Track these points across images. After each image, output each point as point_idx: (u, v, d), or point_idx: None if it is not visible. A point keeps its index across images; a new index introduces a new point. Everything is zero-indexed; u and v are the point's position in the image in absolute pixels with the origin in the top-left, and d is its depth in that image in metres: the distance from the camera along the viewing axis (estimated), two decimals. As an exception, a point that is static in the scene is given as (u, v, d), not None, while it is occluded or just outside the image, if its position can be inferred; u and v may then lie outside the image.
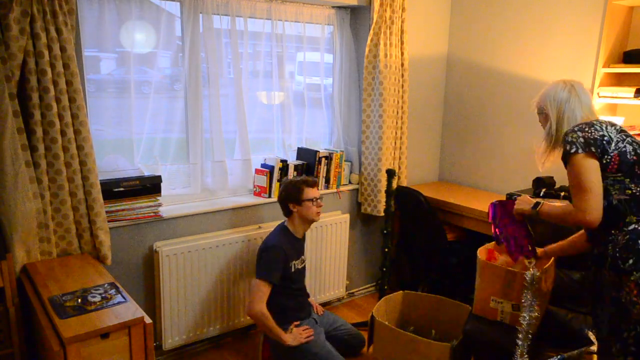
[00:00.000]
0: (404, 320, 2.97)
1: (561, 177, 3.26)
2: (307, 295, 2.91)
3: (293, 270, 2.70)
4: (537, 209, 2.02)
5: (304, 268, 2.84)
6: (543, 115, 2.06)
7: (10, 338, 2.17)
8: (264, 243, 2.71)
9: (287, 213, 2.74)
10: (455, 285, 3.40)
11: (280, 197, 2.73)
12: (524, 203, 2.12)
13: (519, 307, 2.30)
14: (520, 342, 2.11)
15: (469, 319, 2.55)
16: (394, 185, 3.52)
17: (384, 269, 3.43)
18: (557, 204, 2.00)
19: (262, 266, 2.62)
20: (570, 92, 1.97)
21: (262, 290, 2.56)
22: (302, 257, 2.81)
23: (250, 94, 3.18)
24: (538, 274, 2.14)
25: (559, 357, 2.13)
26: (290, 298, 2.71)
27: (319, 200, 2.71)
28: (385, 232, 3.49)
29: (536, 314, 2.09)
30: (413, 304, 2.53)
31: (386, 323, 2.49)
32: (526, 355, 2.08)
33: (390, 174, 3.26)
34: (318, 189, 2.76)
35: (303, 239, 2.83)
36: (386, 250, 3.51)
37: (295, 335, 2.61)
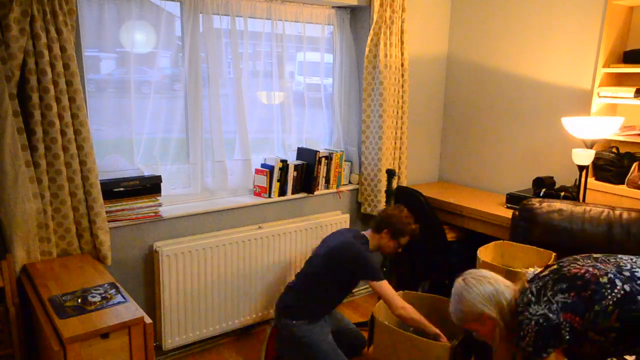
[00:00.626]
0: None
1: (561, 177, 3.27)
2: None
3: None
4: None
5: None
6: (484, 323, 1.82)
7: (10, 338, 2.17)
8: (351, 250, 2.63)
9: (377, 231, 2.76)
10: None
11: (388, 219, 2.74)
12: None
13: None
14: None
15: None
16: (394, 185, 3.52)
17: (384, 269, 3.42)
18: None
19: (369, 270, 2.60)
20: (483, 281, 1.83)
21: (390, 288, 2.58)
22: None
23: (250, 94, 3.18)
24: (539, 271, 2.14)
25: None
26: (331, 298, 2.73)
27: (401, 248, 2.80)
28: None
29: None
30: (412, 304, 2.54)
31: (386, 323, 2.49)
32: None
33: (390, 174, 3.25)
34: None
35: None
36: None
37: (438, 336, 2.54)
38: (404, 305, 2.54)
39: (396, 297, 2.56)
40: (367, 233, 2.80)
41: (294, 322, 2.61)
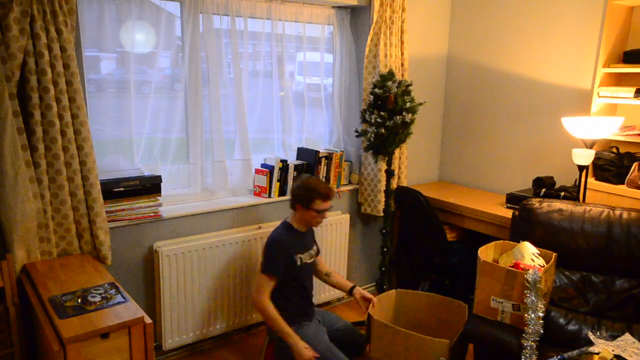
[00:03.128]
0: (397, 319, 2.95)
1: (561, 177, 3.27)
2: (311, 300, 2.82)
3: (299, 264, 2.60)
4: None
5: (313, 264, 2.75)
6: None
7: (10, 338, 2.17)
8: (267, 239, 2.65)
9: (292, 207, 2.65)
10: (455, 285, 3.40)
11: (293, 192, 2.64)
12: None
13: (519, 307, 2.30)
14: (526, 344, 2.11)
15: (470, 318, 2.55)
16: (394, 185, 3.52)
17: (383, 269, 3.42)
18: None
19: (265, 260, 2.57)
20: None
21: (265, 284, 2.51)
22: (311, 251, 2.70)
23: (250, 94, 3.18)
24: (540, 274, 2.14)
25: (558, 357, 2.13)
26: (294, 295, 2.63)
27: (325, 212, 2.64)
28: (384, 231, 3.47)
29: (541, 313, 2.09)
30: (406, 302, 2.50)
31: (383, 321, 2.48)
32: (534, 357, 2.08)
33: (389, 174, 3.25)
34: (331, 199, 2.66)
35: (309, 232, 2.74)
36: (385, 249, 3.50)
37: (304, 346, 2.46)
38: (262, 304, 2.50)
39: (262, 294, 2.50)
40: (289, 217, 2.69)
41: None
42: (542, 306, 2.15)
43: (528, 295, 2.15)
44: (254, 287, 2.56)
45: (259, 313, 2.58)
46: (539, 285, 2.12)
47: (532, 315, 2.11)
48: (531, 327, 2.11)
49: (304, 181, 2.62)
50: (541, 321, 2.12)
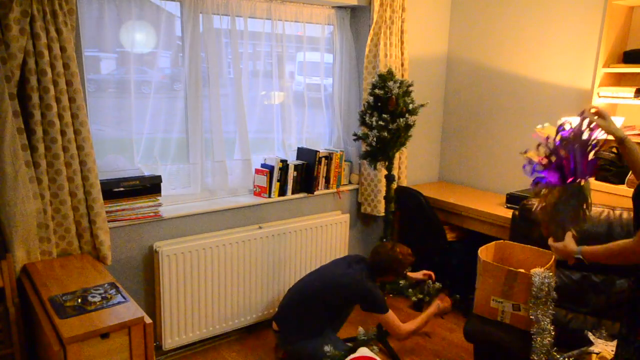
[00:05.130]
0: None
1: (561, 177, 3.26)
2: None
3: None
4: (582, 260, 1.77)
5: None
6: None
7: (10, 338, 2.17)
8: (361, 285, 2.68)
9: (380, 275, 2.79)
10: (455, 285, 3.40)
11: (385, 264, 2.76)
12: (564, 257, 1.84)
13: (519, 307, 2.30)
14: (536, 345, 2.12)
15: (469, 318, 2.55)
16: (394, 185, 3.50)
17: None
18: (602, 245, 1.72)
19: (382, 303, 2.68)
20: None
21: (393, 318, 2.69)
22: None
23: (250, 94, 3.18)
24: (551, 273, 2.14)
25: (559, 357, 2.13)
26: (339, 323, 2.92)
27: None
28: (384, 239, 3.16)
29: (550, 312, 2.09)
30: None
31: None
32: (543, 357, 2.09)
33: (390, 179, 3.13)
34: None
35: None
36: None
37: (436, 307, 2.82)
38: (407, 330, 2.68)
39: (401, 327, 2.68)
40: (366, 272, 2.78)
41: (302, 342, 2.66)
42: (551, 307, 2.15)
43: (532, 300, 2.15)
44: (389, 330, 2.73)
45: (411, 337, 2.91)
46: (546, 288, 2.11)
47: (540, 318, 2.12)
48: (542, 328, 2.13)
49: (396, 254, 2.76)
50: (548, 325, 2.13)
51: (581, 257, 1.75)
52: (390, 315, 2.68)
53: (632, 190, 1.78)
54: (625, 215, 2.49)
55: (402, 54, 3.46)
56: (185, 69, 2.87)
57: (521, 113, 3.52)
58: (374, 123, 2.81)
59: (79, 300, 1.97)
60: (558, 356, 2.17)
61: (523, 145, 3.54)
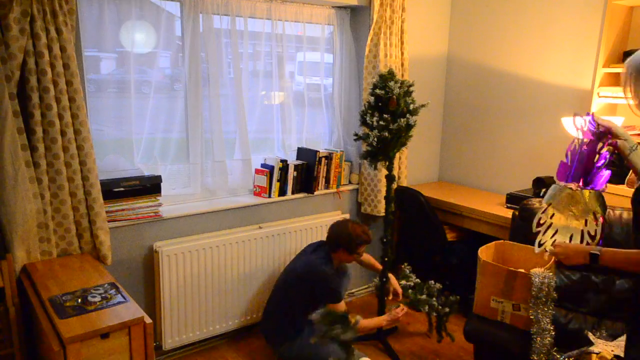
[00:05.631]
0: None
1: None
2: None
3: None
4: (598, 258, 1.65)
5: None
6: None
7: (10, 338, 2.17)
8: (314, 271, 2.69)
9: (334, 250, 2.80)
10: (455, 285, 3.40)
11: (335, 237, 2.78)
12: (576, 256, 1.72)
13: (519, 307, 2.30)
14: (536, 345, 2.12)
15: (469, 318, 2.55)
16: (394, 185, 3.50)
17: (384, 279, 3.26)
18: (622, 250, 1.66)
19: (329, 293, 2.68)
20: None
21: (345, 307, 2.73)
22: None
23: (250, 94, 3.18)
24: (551, 273, 2.13)
25: (559, 357, 2.13)
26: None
27: (361, 254, 2.87)
28: (384, 240, 3.11)
29: (550, 312, 2.09)
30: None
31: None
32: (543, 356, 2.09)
33: (390, 179, 3.12)
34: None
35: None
36: (385, 259, 3.13)
37: (393, 315, 2.84)
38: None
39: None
40: (324, 251, 2.81)
41: (291, 342, 2.67)
42: (550, 307, 2.15)
43: (533, 301, 2.15)
44: None
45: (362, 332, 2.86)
46: (546, 289, 2.11)
47: (540, 318, 2.12)
48: (542, 327, 2.12)
49: (347, 228, 2.76)
50: (549, 325, 2.13)
51: (598, 253, 1.64)
52: (342, 307, 2.67)
53: (632, 190, 1.77)
54: (625, 215, 2.49)
55: (402, 54, 3.46)
56: (185, 69, 2.87)
57: (521, 113, 3.52)
58: (375, 123, 2.81)
59: (79, 300, 1.97)
60: (558, 356, 2.17)
61: (523, 145, 3.54)
